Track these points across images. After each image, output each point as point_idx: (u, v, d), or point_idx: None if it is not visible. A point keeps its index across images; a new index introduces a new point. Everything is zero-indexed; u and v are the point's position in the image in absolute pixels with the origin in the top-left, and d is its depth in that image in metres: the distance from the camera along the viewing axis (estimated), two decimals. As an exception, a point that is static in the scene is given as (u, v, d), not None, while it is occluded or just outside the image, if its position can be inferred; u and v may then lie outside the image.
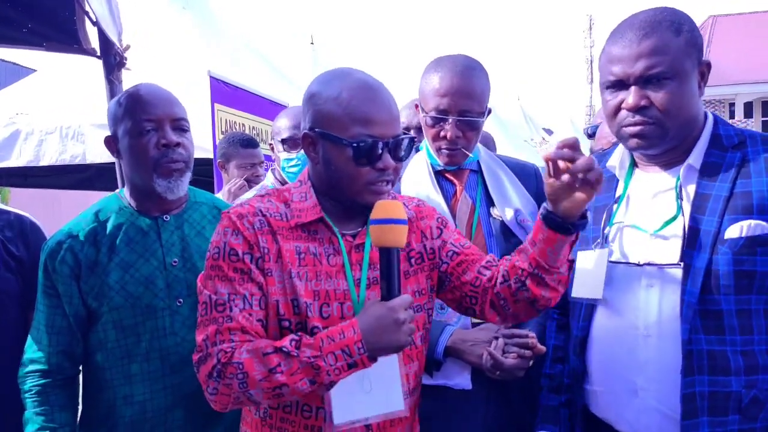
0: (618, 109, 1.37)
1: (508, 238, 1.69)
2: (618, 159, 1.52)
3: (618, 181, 1.51)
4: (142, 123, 1.53)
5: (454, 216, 1.70)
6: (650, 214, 1.40)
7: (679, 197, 1.36)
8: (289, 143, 2.33)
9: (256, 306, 1.21)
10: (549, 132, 16.57)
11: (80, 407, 1.62)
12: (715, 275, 1.29)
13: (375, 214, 1.18)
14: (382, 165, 1.22)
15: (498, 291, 1.30)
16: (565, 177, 1.13)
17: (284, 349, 1.13)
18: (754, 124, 19.63)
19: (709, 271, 1.29)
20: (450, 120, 1.63)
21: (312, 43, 7.38)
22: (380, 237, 1.17)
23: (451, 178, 1.75)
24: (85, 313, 1.53)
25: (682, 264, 1.32)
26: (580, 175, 1.12)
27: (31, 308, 1.61)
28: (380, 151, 1.21)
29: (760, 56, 19.53)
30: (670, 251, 1.35)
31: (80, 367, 1.60)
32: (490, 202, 1.73)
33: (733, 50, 19.92)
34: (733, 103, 20.08)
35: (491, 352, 1.55)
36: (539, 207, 1.76)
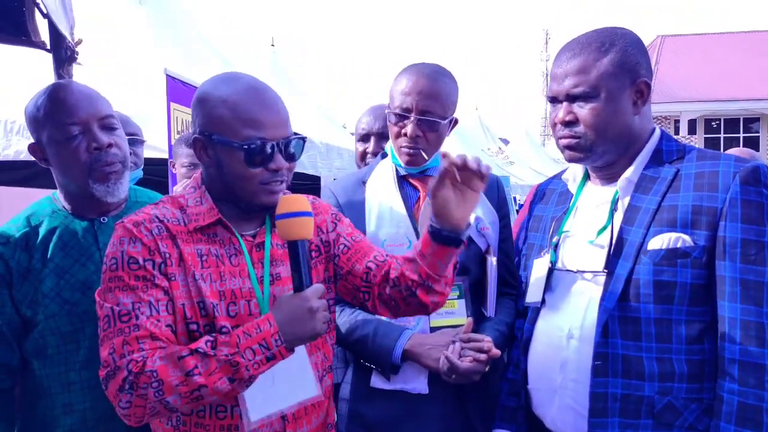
0: (555, 122, 1.46)
1: (467, 245, 1.70)
2: (572, 173, 1.59)
3: (572, 194, 1.57)
4: (67, 127, 1.42)
5: (415, 221, 1.71)
6: (589, 225, 1.47)
7: (614, 209, 1.43)
8: None
9: (163, 311, 1.19)
10: (505, 142, 16.87)
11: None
12: (636, 284, 1.35)
13: (280, 209, 1.20)
14: (274, 166, 1.24)
15: (390, 293, 1.37)
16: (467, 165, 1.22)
17: (200, 350, 1.13)
18: (697, 141, 20.50)
19: (630, 280, 1.35)
20: (411, 118, 1.66)
21: (273, 45, 7.31)
22: (288, 231, 1.19)
23: (415, 183, 1.77)
24: (19, 321, 1.45)
25: (606, 271, 1.39)
26: (474, 166, 1.23)
27: None
28: (271, 153, 1.23)
29: (703, 76, 20.42)
30: (600, 259, 1.42)
31: (17, 378, 1.51)
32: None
33: (679, 69, 20.77)
34: (678, 120, 20.91)
35: (448, 356, 1.56)
36: (500, 216, 1.80)
